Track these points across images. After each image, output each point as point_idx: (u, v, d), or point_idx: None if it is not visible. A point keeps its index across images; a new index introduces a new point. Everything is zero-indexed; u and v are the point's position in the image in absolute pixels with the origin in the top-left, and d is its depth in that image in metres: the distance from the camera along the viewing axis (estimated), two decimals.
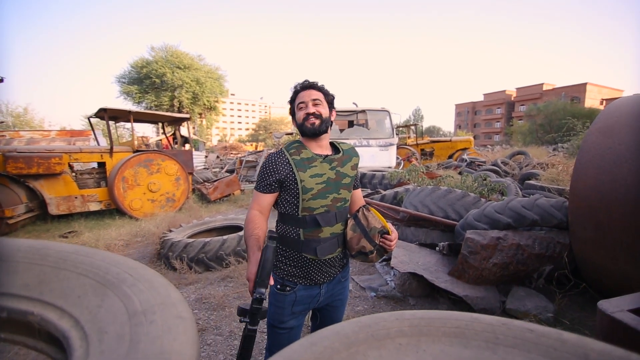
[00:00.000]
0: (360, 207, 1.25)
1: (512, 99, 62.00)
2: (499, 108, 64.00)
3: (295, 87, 1.29)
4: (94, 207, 6.15)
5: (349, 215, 1.30)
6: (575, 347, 0.51)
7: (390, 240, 1.17)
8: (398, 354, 0.54)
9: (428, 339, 0.56)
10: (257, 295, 0.98)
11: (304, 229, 1.20)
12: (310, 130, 1.21)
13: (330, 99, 1.29)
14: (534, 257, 2.47)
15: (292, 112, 1.30)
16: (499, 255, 2.46)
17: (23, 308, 0.57)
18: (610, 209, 2.12)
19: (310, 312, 1.37)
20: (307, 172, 1.19)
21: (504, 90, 63.72)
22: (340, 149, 1.30)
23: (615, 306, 1.22)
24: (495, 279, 2.52)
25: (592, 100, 46.35)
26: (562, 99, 40.85)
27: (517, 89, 60.63)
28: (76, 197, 5.96)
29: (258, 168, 12.09)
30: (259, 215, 1.22)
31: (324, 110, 1.24)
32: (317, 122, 1.21)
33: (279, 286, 1.23)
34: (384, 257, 3.48)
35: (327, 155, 1.25)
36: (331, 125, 1.30)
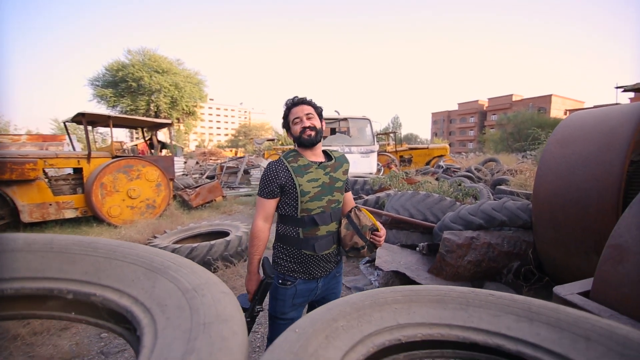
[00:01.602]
0: (352, 208, 1.41)
1: (484, 108, 65.13)
2: (472, 117, 66.97)
3: (286, 103, 1.43)
4: (69, 214, 5.95)
5: (342, 215, 1.45)
6: (522, 304, 0.69)
7: (379, 237, 1.34)
8: (394, 315, 0.69)
9: (416, 304, 0.72)
10: (257, 311, 1.30)
11: (303, 228, 1.34)
12: (308, 141, 1.36)
13: (319, 111, 1.44)
14: (504, 255, 2.72)
15: (287, 127, 1.44)
16: (473, 254, 2.70)
17: (85, 290, 0.68)
18: (566, 210, 2.40)
19: (307, 305, 1.50)
20: (305, 177, 1.33)
21: (477, 100, 66.85)
22: (333, 157, 1.46)
23: (567, 290, 1.44)
24: (470, 275, 2.74)
25: (556, 111, 49.56)
26: (529, 110, 43.46)
27: (489, 99, 63.83)
28: (50, 204, 5.74)
29: (239, 174, 12.05)
30: (263, 227, 1.35)
31: (317, 122, 1.40)
32: (313, 133, 1.37)
33: (280, 281, 1.36)
34: (367, 259, 3.66)
35: (321, 162, 1.40)
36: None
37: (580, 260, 2.32)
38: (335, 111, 9.11)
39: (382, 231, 1.35)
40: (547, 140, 2.75)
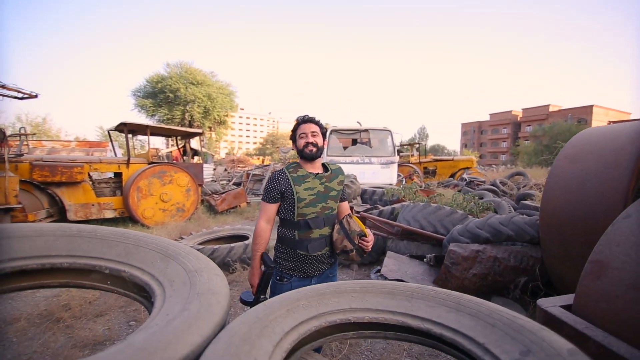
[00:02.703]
0: (345, 215, 1.58)
1: (519, 119, 62.40)
2: (505, 128, 64.34)
3: (297, 119, 1.65)
4: (109, 214, 6.54)
5: (336, 222, 1.62)
6: (455, 298, 0.84)
7: (367, 242, 1.49)
8: (349, 301, 0.86)
9: (371, 294, 0.88)
10: (262, 298, 1.39)
11: (299, 230, 1.52)
12: (309, 155, 1.56)
13: (323, 131, 1.64)
14: (510, 269, 2.73)
15: (293, 139, 1.65)
16: (478, 267, 2.73)
17: (118, 268, 0.91)
18: (574, 226, 2.40)
19: None
20: (302, 186, 1.53)
21: (510, 111, 64.24)
22: (329, 169, 1.65)
23: (550, 303, 1.50)
24: (475, 289, 2.77)
25: (598, 122, 46.44)
26: (568, 121, 41.10)
27: (524, 109, 61.13)
28: (93, 205, 6.36)
29: (264, 182, 12.50)
30: (265, 227, 1.55)
31: (319, 140, 1.60)
32: (315, 149, 1.56)
33: (277, 278, 1.55)
34: (378, 268, 3.75)
35: (318, 173, 1.59)
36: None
37: None
38: (357, 122, 9.28)
39: (370, 237, 1.50)
40: (556, 156, 2.76)
